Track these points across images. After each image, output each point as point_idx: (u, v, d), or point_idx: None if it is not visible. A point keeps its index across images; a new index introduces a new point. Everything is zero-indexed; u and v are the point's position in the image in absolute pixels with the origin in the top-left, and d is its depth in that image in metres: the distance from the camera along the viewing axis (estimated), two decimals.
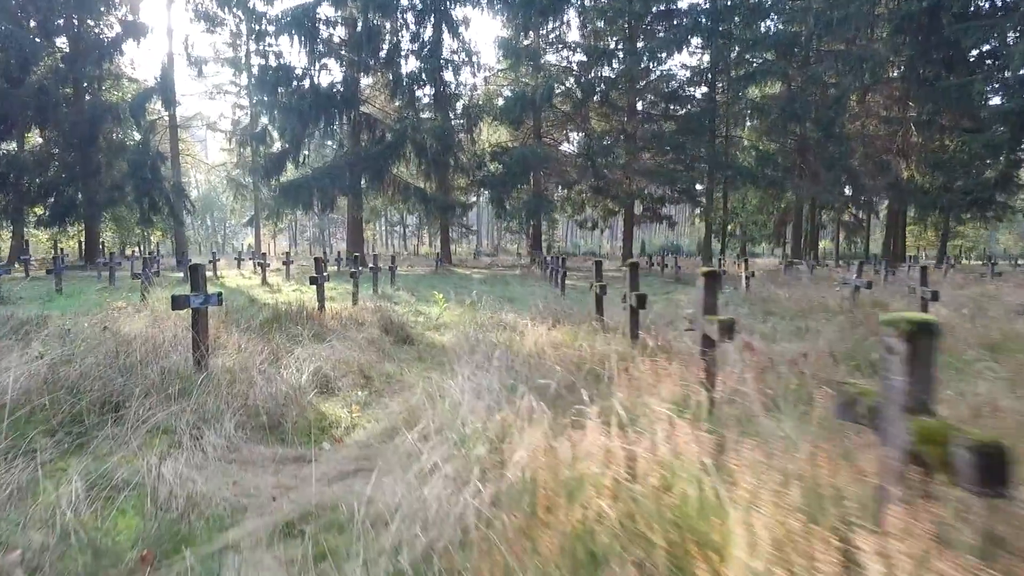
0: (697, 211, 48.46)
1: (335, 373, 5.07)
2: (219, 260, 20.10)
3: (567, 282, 15.61)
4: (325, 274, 8.66)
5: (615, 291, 6.89)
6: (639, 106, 31.17)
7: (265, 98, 27.11)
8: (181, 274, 17.85)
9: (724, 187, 30.84)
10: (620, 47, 29.48)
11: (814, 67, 29.12)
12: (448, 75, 29.73)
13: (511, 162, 26.25)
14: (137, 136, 28.96)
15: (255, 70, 28.09)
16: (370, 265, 12.59)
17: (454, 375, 3.89)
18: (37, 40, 26.49)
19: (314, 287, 8.67)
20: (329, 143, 35.78)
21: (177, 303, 4.68)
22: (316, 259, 8.91)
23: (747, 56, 29.83)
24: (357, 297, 10.10)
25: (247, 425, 3.79)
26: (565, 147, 33.29)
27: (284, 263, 16.60)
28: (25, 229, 39.67)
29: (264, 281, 15.20)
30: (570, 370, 4.02)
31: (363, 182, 28.06)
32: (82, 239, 43.73)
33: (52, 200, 26.84)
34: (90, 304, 9.81)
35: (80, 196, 27.76)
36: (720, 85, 30.68)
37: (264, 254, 14.81)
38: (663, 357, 3.61)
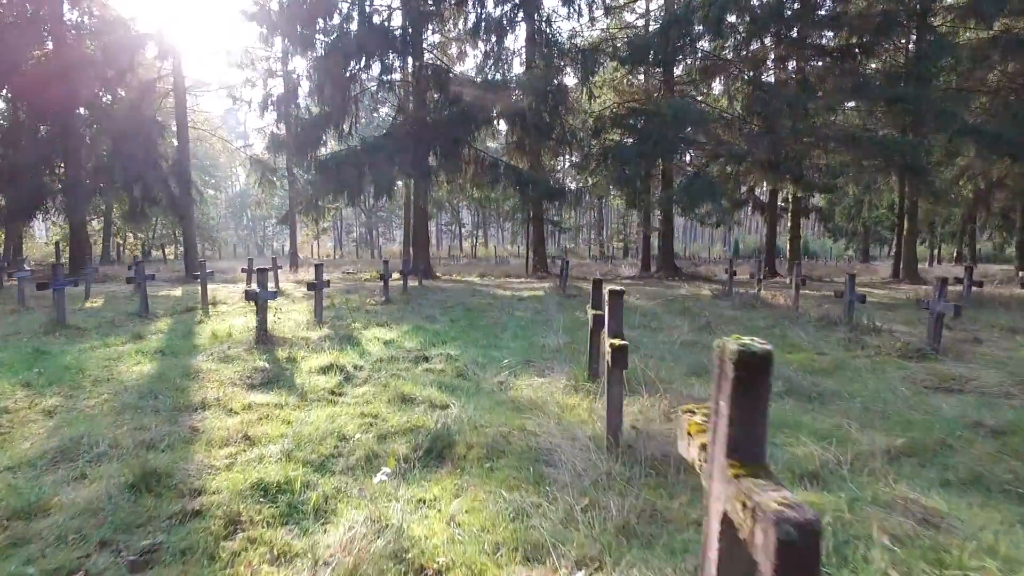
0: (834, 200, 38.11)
1: None
2: (212, 272, 12.11)
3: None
4: None
5: None
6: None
7: (297, 38, 19.16)
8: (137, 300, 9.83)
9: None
10: None
11: None
12: (546, 9, 21.18)
13: (657, 125, 17.29)
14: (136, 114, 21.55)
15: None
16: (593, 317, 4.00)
17: None
18: None
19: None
20: (382, 112, 27.79)
21: None
22: None
23: None
24: None
25: None
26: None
27: (311, 286, 8.20)
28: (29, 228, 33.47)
29: (261, 336, 6.77)
30: None
31: (432, 158, 19.74)
32: (94, 240, 37.44)
33: (14, 188, 19.60)
34: None
35: (54, 181, 20.60)
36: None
37: (265, 270, 6.37)
38: None
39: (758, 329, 8.69)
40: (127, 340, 7.30)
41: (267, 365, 5.47)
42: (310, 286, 7.98)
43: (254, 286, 6.86)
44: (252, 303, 6.82)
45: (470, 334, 7.78)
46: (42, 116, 20.58)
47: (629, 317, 9.99)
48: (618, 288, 3.00)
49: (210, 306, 11.10)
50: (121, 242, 41.21)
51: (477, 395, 4.76)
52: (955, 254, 40.18)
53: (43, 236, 40.71)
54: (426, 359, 5.99)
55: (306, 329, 7.73)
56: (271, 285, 14.96)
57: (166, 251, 42.83)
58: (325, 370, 5.34)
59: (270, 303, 10.85)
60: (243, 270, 13.83)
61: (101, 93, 20.01)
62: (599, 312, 4.55)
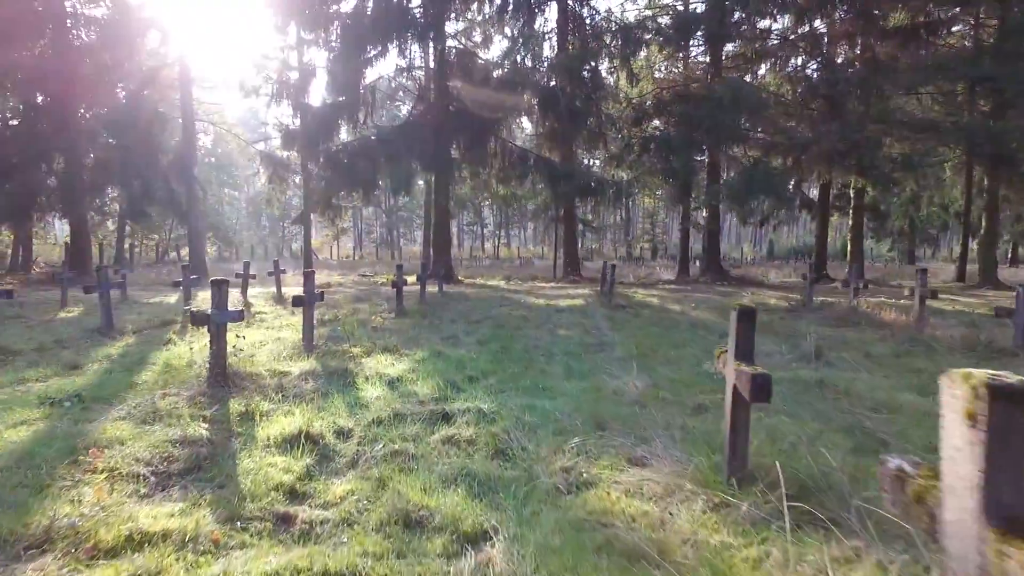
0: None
1: None
2: (198, 278, 10.39)
3: None
4: None
5: None
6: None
7: (310, 22, 17.47)
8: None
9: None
10: None
11: None
12: None
13: (708, 110, 15.13)
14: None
15: None
16: None
17: None
18: None
19: None
20: (404, 110, 26.09)
21: None
22: None
23: None
24: None
25: None
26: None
27: (296, 301, 6.31)
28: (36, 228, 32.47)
29: (216, 376, 4.86)
30: None
31: (455, 150, 17.87)
32: (108, 241, 36.40)
33: (9, 185, 18.25)
34: None
35: (53, 177, 19.24)
36: None
37: (222, 282, 4.50)
38: None
39: (883, 358, 6.55)
40: (54, 372, 5.53)
41: (204, 432, 3.57)
42: (295, 301, 6.09)
43: (206, 304, 5.00)
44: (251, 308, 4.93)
45: (506, 367, 5.81)
46: (39, 108, 19.28)
47: (694, 336, 7.91)
48: None
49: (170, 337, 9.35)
50: (137, 243, 40.27)
51: (532, 502, 2.78)
52: (1010, 254, 36.84)
53: (60, 237, 39.96)
54: (446, 418, 4.03)
55: (289, 358, 5.85)
56: (271, 291, 13.24)
57: (181, 253, 41.76)
58: (290, 443, 3.42)
59: (257, 315, 9.06)
60: (237, 275, 12.11)
61: (101, 83, 18.60)
62: (756, 371, 2.53)
